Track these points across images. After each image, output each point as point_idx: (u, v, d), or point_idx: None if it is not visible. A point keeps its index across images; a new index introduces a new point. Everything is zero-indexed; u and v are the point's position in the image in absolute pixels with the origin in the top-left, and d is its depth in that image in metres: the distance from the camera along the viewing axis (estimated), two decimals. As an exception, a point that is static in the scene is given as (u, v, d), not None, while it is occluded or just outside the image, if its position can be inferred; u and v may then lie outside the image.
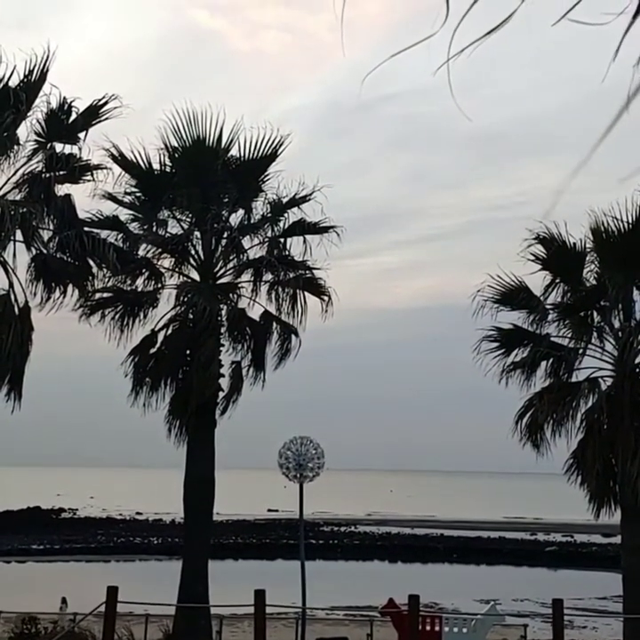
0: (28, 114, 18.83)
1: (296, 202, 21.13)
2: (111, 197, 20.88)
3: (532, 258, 20.04)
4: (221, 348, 20.74)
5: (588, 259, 20.12)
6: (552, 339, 20.13)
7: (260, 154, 20.99)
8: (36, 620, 22.31)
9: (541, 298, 20.22)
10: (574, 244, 19.96)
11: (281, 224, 21.39)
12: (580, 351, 19.98)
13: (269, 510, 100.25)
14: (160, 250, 21.06)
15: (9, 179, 18.91)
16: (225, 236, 21.03)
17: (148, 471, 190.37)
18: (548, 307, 20.24)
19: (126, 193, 21.14)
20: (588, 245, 20.01)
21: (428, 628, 19.16)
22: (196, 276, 21.31)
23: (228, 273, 21.39)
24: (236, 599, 19.26)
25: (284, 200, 21.17)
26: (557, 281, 20.24)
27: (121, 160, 20.81)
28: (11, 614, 24.27)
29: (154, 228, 21.17)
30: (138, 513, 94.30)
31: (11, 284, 18.48)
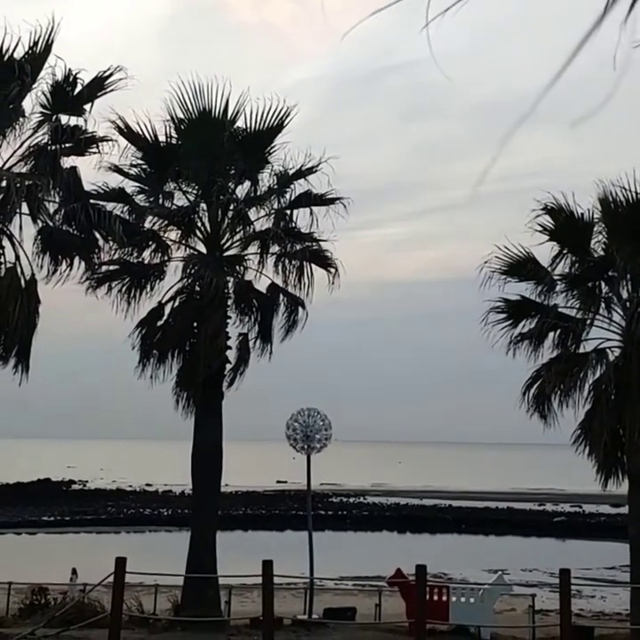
0: (34, 86, 18.73)
1: (302, 173, 21.04)
2: (117, 169, 20.81)
3: (540, 229, 19.97)
4: (228, 321, 20.74)
5: (595, 229, 20.04)
6: (560, 310, 20.08)
7: (266, 125, 20.87)
8: (46, 591, 22.50)
9: (549, 269, 20.15)
10: (582, 214, 19.88)
11: (287, 196, 21.32)
12: (588, 322, 19.92)
13: (278, 482, 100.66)
14: (166, 222, 21.01)
15: (15, 151, 18.87)
16: (231, 208, 20.96)
17: (158, 443, 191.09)
18: (555, 278, 20.17)
19: (132, 165, 21.07)
20: (595, 216, 19.93)
21: (435, 597, 19.25)
22: (202, 248, 21.27)
23: (234, 245, 21.35)
24: (244, 570, 19.38)
25: (291, 172, 21.07)
26: (565, 252, 20.16)
27: (127, 132, 20.72)
28: (21, 585, 24.48)
29: (160, 201, 21.11)
30: (147, 484, 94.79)
31: (17, 257, 18.47)
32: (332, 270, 21.24)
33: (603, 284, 20.05)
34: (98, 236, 19.36)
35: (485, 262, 19.92)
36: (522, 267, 20.10)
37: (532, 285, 20.23)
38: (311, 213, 21.07)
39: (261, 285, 21.38)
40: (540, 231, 19.97)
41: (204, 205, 21.08)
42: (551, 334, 19.94)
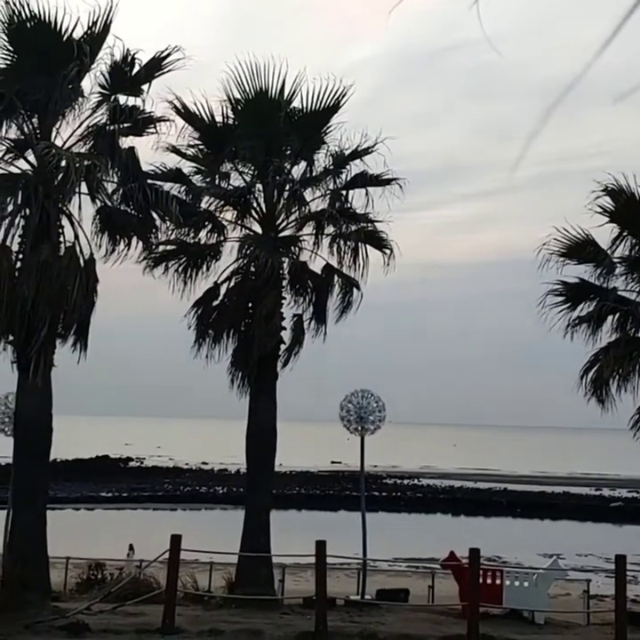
0: (92, 66, 18.83)
1: (358, 154, 20.94)
2: (174, 150, 20.90)
3: (600, 210, 19.64)
4: (283, 301, 20.77)
5: (657, 211, 19.66)
6: (619, 293, 19.78)
7: (322, 105, 20.78)
8: (103, 567, 22.83)
9: (608, 251, 19.84)
10: (644, 195, 19.51)
11: (343, 176, 21.23)
12: (648, 305, 19.60)
13: (333, 462, 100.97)
14: (222, 202, 21.07)
15: (74, 131, 19.02)
16: (287, 188, 20.95)
17: (215, 422, 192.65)
18: (615, 260, 19.85)
19: (189, 145, 21.14)
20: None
21: (489, 581, 19.18)
22: (257, 228, 21.30)
23: (289, 226, 21.35)
24: (298, 549, 19.49)
25: (347, 152, 20.98)
26: (625, 234, 19.83)
27: (184, 112, 20.78)
28: (79, 560, 24.86)
29: (216, 181, 21.17)
30: (203, 462, 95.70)
31: (76, 237, 18.64)
32: (387, 251, 21.16)
33: (664, 267, 19.71)
34: (155, 216, 19.47)
35: (544, 244, 19.68)
36: (581, 249, 19.80)
37: (591, 268, 19.93)
38: (366, 194, 20.98)
39: (316, 266, 21.39)
40: (600, 213, 19.65)
41: (259, 186, 21.09)
42: (610, 318, 19.66)
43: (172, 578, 16.06)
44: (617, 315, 19.60)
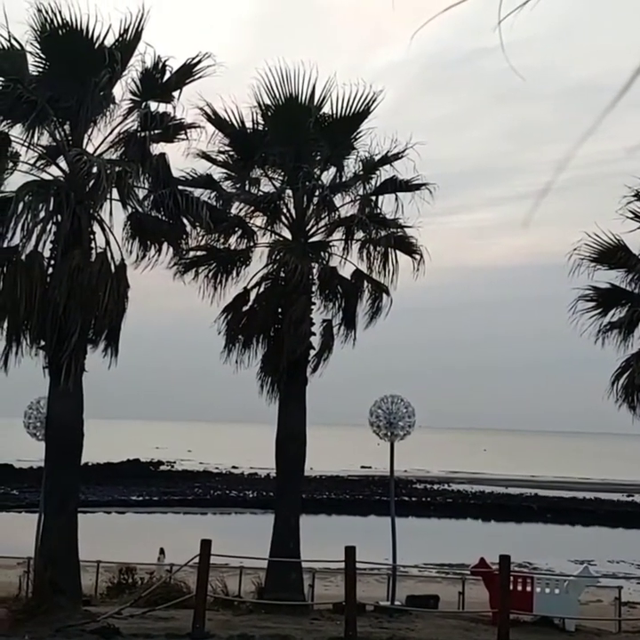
0: (124, 73, 18.95)
1: (388, 159, 20.94)
2: (205, 156, 21.00)
3: (631, 215, 19.54)
4: (313, 307, 20.79)
5: (689, 216, 19.53)
6: (651, 299, 19.65)
7: (352, 111, 20.80)
8: (134, 571, 22.94)
9: (640, 256, 19.73)
10: (675, 201, 19.38)
11: (373, 182, 21.23)
12: (680, 311, 19.46)
13: (363, 467, 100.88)
14: (252, 208, 21.14)
15: (105, 138, 19.15)
16: (317, 194, 20.98)
17: (244, 426, 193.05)
18: (646, 265, 19.73)
19: (219, 151, 21.22)
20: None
21: (519, 588, 19.07)
22: (287, 234, 21.36)
23: (319, 231, 21.38)
24: (328, 554, 19.51)
25: (376, 157, 20.99)
26: (657, 239, 19.70)
27: (214, 119, 20.87)
28: (110, 564, 25.00)
29: (246, 187, 21.24)
30: (234, 467, 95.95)
31: (107, 242, 18.77)
32: (417, 257, 21.13)
33: (696, 273, 19.56)
34: (185, 221, 19.57)
35: (575, 249, 19.60)
36: (612, 254, 19.70)
37: (622, 273, 19.84)
38: (396, 199, 20.96)
39: (346, 272, 21.41)
40: (632, 218, 19.55)
41: (289, 192, 21.14)
42: (641, 323, 19.54)
43: (202, 582, 16.10)
44: (649, 321, 19.47)
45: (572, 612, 19.38)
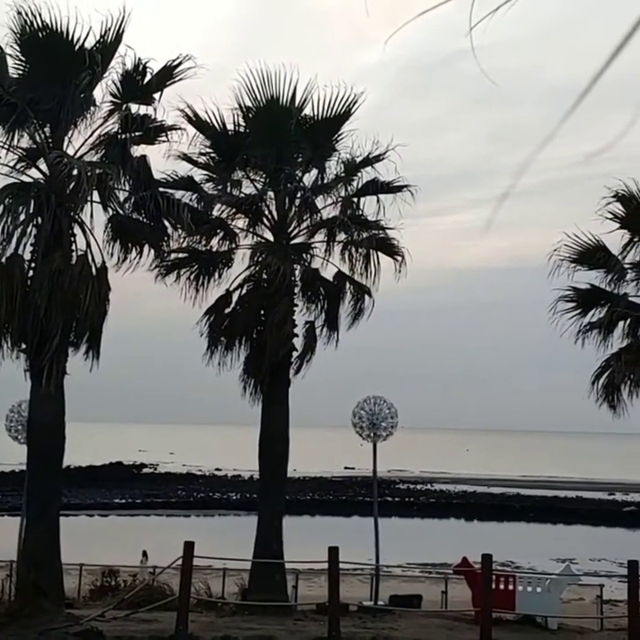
0: (104, 75, 18.93)
1: (370, 161, 20.99)
2: (186, 158, 20.99)
3: (611, 216, 19.67)
4: (295, 308, 20.82)
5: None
6: (630, 298, 19.81)
7: (333, 113, 20.84)
8: (117, 573, 22.90)
9: (619, 257, 19.87)
10: (654, 201, 19.52)
11: (354, 183, 21.28)
12: (659, 311, 19.60)
13: (346, 468, 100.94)
14: (234, 210, 21.14)
15: (86, 140, 19.12)
16: (298, 195, 21.01)
17: (228, 428, 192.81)
18: (626, 266, 19.88)
19: (201, 153, 21.22)
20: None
21: (501, 586, 19.15)
22: (269, 236, 21.38)
23: (301, 233, 21.42)
24: (311, 555, 19.53)
25: (358, 159, 21.03)
26: (636, 240, 19.85)
27: (195, 120, 20.87)
28: (93, 567, 24.93)
29: (228, 189, 21.24)
30: (217, 469, 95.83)
31: (88, 245, 18.75)
32: (399, 258, 21.19)
33: (675, 273, 19.70)
34: (167, 224, 19.56)
35: (555, 250, 19.72)
36: (591, 255, 19.83)
37: (601, 274, 19.98)
38: (378, 201, 21.02)
39: (328, 273, 21.45)
40: (611, 219, 19.68)
41: (271, 193, 21.17)
42: (621, 324, 19.68)
43: (185, 584, 16.10)
44: (628, 320, 19.62)
45: (555, 610, 19.49)
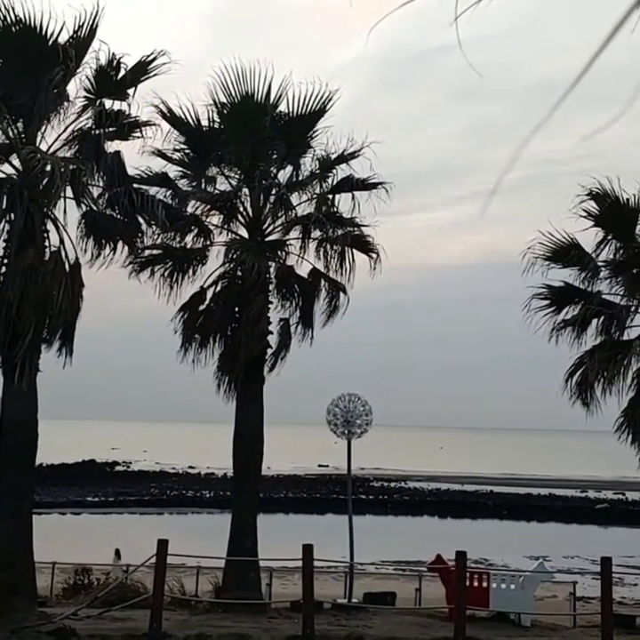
0: (78, 70, 18.80)
1: (345, 158, 20.97)
2: (160, 154, 20.88)
3: (585, 214, 19.76)
4: (270, 306, 20.78)
5: (641, 215, 19.78)
6: (603, 296, 19.91)
7: (308, 110, 20.79)
8: (90, 572, 22.78)
9: (593, 255, 19.97)
10: (628, 199, 19.64)
11: (329, 180, 21.24)
12: (633, 309, 19.73)
13: (320, 465, 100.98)
14: (209, 207, 21.06)
15: (59, 136, 18.98)
16: (273, 192, 20.97)
17: (201, 426, 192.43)
18: (599, 264, 19.98)
19: (175, 150, 21.12)
20: (641, 201, 19.67)
21: (475, 583, 19.23)
22: (244, 232, 21.31)
23: (276, 230, 21.37)
24: (285, 553, 19.53)
25: (333, 156, 21.00)
26: (610, 238, 19.95)
27: (170, 117, 20.77)
28: (66, 565, 24.79)
29: (202, 185, 21.16)
30: (190, 467, 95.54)
31: (61, 241, 18.61)
32: (374, 255, 21.19)
33: (648, 271, 19.82)
34: (141, 220, 19.45)
35: (529, 248, 19.79)
36: (565, 253, 19.92)
37: (575, 272, 20.07)
38: (353, 198, 21.03)
39: (303, 270, 21.41)
40: (585, 217, 19.77)
41: (246, 190, 21.11)
42: (595, 321, 19.78)
43: (158, 582, 16.04)
44: (601, 318, 19.71)
45: (528, 607, 19.58)
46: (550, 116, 2.38)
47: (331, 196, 21.29)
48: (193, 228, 21.05)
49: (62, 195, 17.93)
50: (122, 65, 18.97)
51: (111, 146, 19.25)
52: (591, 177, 19.51)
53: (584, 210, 19.69)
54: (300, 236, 21.14)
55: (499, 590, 19.41)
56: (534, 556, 37.56)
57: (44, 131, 18.85)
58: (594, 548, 39.06)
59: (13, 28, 18.28)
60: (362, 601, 20.89)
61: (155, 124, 19.92)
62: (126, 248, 19.62)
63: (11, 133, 18.78)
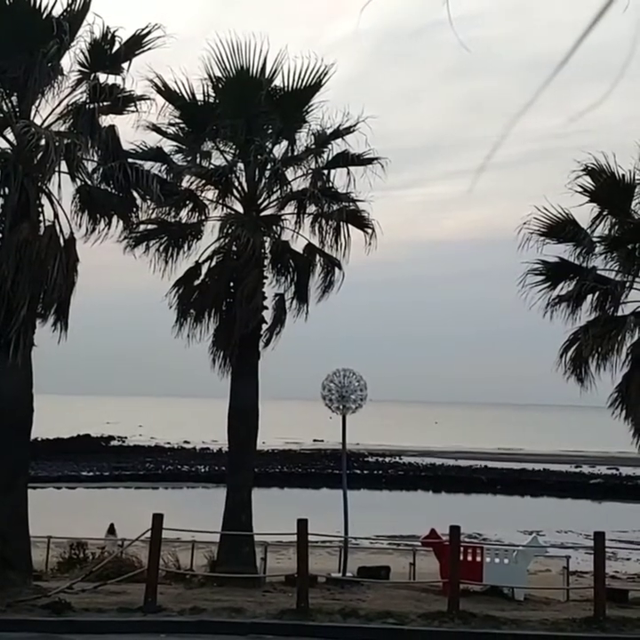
0: (72, 44, 18.68)
1: (340, 133, 20.89)
2: (155, 128, 20.80)
3: (580, 190, 19.73)
4: (265, 281, 20.76)
5: (637, 190, 19.77)
6: (598, 272, 19.90)
7: (303, 84, 20.69)
8: (85, 546, 22.87)
9: (588, 230, 19.96)
10: (623, 175, 19.61)
11: (325, 155, 21.17)
12: (627, 284, 19.74)
13: (315, 440, 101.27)
14: (204, 181, 20.99)
15: (53, 110, 18.87)
16: (268, 167, 20.90)
17: (196, 401, 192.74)
18: (594, 240, 19.97)
19: (170, 124, 21.03)
20: (637, 177, 19.66)
21: (469, 558, 19.33)
22: (239, 207, 21.26)
23: (271, 205, 21.32)
24: (280, 527, 19.59)
25: (328, 131, 20.92)
26: (605, 213, 19.93)
27: (165, 91, 20.67)
28: (61, 539, 24.86)
29: (197, 160, 21.08)
30: (185, 441, 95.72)
31: (56, 216, 18.55)
32: (369, 231, 21.16)
33: (643, 247, 19.82)
34: (135, 195, 19.38)
35: (524, 223, 19.77)
36: (561, 228, 19.90)
37: (570, 247, 20.06)
38: (348, 173, 20.96)
39: (298, 246, 21.39)
40: (580, 192, 19.74)
41: (241, 165, 21.03)
42: (589, 297, 19.80)
43: (153, 557, 16.13)
44: (596, 294, 19.73)
45: (521, 581, 19.69)
46: (538, 95, 2.37)
47: (326, 171, 21.22)
48: (188, 202, 21.00)
49: (57, 169, 17.86)
50: (116, 38, 18.85)
51: (106, 120, 19.16)
52: (587, 152, 19.48)
53: (579, 185, 19.67)
54: (296, 211, 21.10)
55: (492, 564, 19.51)
56: (528, 531, 37.74)
57: (39, 105, 18.74)
58: (587, 523, 39.25)
59: (7, 1, 18.14)
60: (356, 575, 21.00)
61: (149, 99, 19.85)
62: (121, 223, 19.56)
63: (5, 107, 18.68)
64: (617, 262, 19.94)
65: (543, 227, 19.91)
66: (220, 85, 20.85)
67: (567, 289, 20.01)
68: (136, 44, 19.07)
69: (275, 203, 21.28)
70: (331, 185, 21.16)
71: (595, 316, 19.77)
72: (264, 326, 20.83)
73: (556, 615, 16.87)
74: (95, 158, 19.02)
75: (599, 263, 19.97)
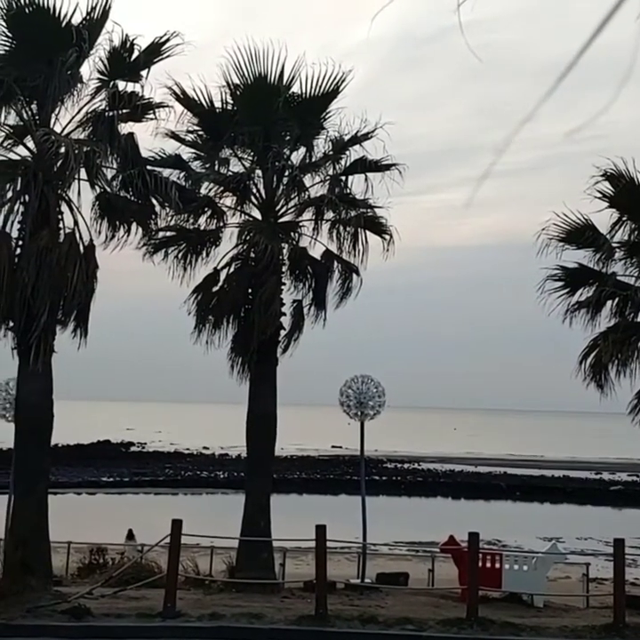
0: (91, 52, 18.83)
1: (358, 139, 20.92)
2: (173, 136, 20.90)
3: (599, 195, 19.66)
4: (283, 287, 20.80)
5: (656, 196, 19.68)
6: (618, 278, 19.82)
7: (321, 91, 20.73)
8: (105, 551, 22.94)
9: (608, 236, 19.88)
10: (643, 180, 19.53)
11: (342, 162, 21.21)
12: (647, 290, 19.65)
13: (333, 446, 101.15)
14: (222, 188, 21.07)
15: (73, 117, 19.03)
16: (286, 174, 20.96)
17: (215, 407, 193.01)
18: (614, 245, 19.89)
19: (188, 131, 21.13)
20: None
21: (488, 564, 19.27)
22: (257, 214, 21.32)
23: (289, 211, 21.36)
24: (299, 533, 19.62)
25: (346, 137, 20.96)
26: (625, 219, 19.85)
27: (183, 98, 20.76)
28: (81, 545, 24.94)
29: (216, 167, 21.16)
30: (205, 447, 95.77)
31: (76, 223, 18.69)
32: (387, 237, 21.18)
33: (662, 252, 19.74)
34: (154, 202, 19.51)
35: (543, 229, 19.72)
36: (580, 234, 19.83)
37: (590, 253, 19.98)
38: (366, 179, 20.99)
39: (316, 252, 21.42)
40: (599, 198, 19.67)
41: (259, 172, 21.10)
42: (609, 303, 19.71)
43: (173, 562, 16.17)
44: (616, 300, 19.65)
45: (541, 588, 19.61)
46: (544, 100, 2.39)
47: (344, 178, 21.26)
48: (206, 209, 21.08)
49: (76, 176, 18.01)
50: (135, 46, 18.99)
51: (125, 128, 19.32)
52: (606, 158, 19.41)
53: (598, 191, 19.60)
54: (313, 217, 21.14)
55: (511, 571, 19.44)
56: (547, 538, 37.56)
57: (58, 113, 18.92)
58: (607, 530, 39.05)
59: (27, 10, 18.30)
60: (375, 581, 20.98)
61: (168, 106, 19.99)
62: (140, 230, 19.70)
63: (24, 116, 18.84)
64: (637, 268, 19.86)
65: (562, 232, 19.85)
66: (238, 92, 20.93)
67: (586, 295, 19.93)
68: (155, 51, 19.19)
69: (293, 209, 21.34)
70: (348, 191, 21.19)
71: (614, 322, 19.69)
72: (282, 332, 20.86)
73: (576, 622, 16.81)
74: (114, 166, 19.16)
75: (619, 269, 19.91)
